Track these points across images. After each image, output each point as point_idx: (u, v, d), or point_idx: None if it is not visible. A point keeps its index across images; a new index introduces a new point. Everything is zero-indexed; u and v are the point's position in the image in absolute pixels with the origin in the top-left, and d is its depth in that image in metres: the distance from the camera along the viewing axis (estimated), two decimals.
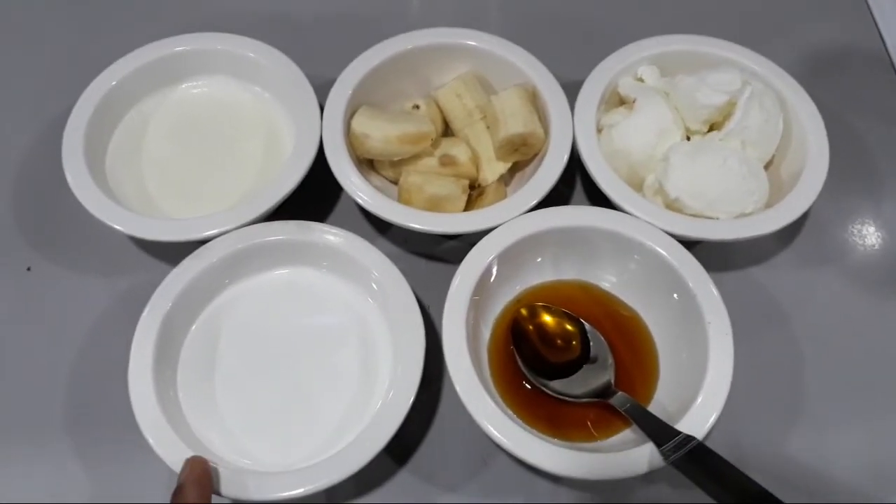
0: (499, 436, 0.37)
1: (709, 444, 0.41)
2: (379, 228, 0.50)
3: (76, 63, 0.54)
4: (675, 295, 0.42)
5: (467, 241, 0.43)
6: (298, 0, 0.62)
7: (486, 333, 0.44)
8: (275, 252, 0.44)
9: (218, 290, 0.43)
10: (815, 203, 0.45)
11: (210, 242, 0.42)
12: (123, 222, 0.43)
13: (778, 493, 0.38)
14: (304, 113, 0.47)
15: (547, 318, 0.44)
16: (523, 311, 0.44)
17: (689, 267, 0.42)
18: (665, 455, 0.36)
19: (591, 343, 0.43)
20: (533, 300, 0.45)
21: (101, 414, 0.43)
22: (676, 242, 0.42)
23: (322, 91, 0.48)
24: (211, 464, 0.36)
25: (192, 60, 0.50)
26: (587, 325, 0.43)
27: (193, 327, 0.43)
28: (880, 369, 0.46)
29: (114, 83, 0.48)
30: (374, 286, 0.43)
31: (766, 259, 0.49)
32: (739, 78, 0.46)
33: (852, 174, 0.53)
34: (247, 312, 0.43)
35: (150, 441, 0.37)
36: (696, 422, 0.38)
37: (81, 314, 0.46)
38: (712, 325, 0.40)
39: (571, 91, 0.49)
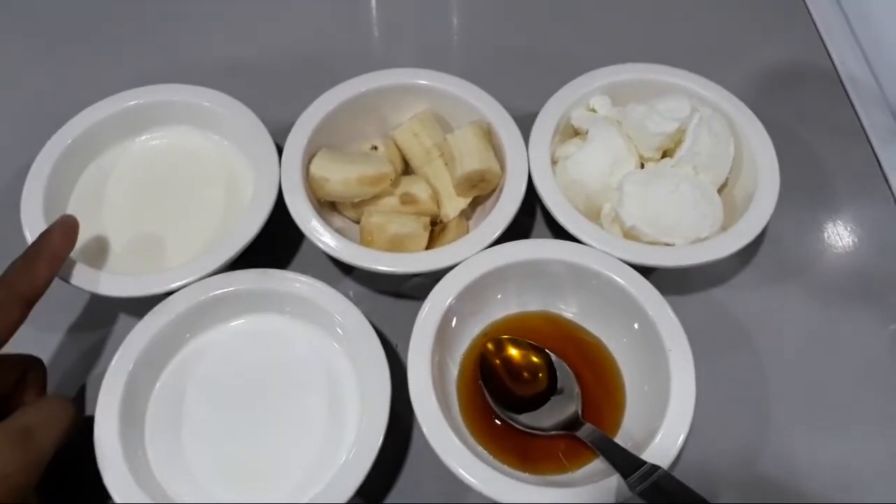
0: (466, 475, 0.37)
1: (679, 469, 0.42)
2: (344, 269, 0.50)
3: (29, 120, 0.55)
4: (636, 324, 0.43)
5: (433, 278, 0.44)
6: (256, 45, 0.63)
7: (453, 369, 0.44)
8: (237, 301, 0.44)
9: (181, 343, 0.43)
10: (771, 220, 0.46)
11: (171, 297, 0.42)
12: (84, 280, 0.43)
13: None
14: (263, 159, 0.47)
15: (513, 352, 0.44)
16: (489, 346, 0.44)
17: (648, 295, 0.42)
18: (631, 486, 0.36)
19: (558, 374, 0.43)
20: (499, 333, 0.45)
21: (67, 475, 0.42)
22: (634, 271, 0.43)
23: (281, 135, 0.49)
24: None
25: (149, 112, 0.50)
26: (553, 356, 0.44)
27: (158, 384, 0.42)
28: (845, 383, 0.46)
29: (70, 141, 0.48)
30: (339, 330, 0.43)
31: (726, 279, 0.50)
32: (688, 104, 0.47)
33: (807, 189, 0.54)
34: (212, 363, 0.43)
35: (118, 501, 0.37)
36: (662, 450, 0.38)
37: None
38: (673, 352, 0.40)
39: (528, 123, 0.50)
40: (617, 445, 0.39)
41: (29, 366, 0.39)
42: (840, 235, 0.52)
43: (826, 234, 0.53)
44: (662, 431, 0.38)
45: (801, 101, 0.59)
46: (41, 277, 0.37)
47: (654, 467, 0.36)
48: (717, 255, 0.44)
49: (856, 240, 0.52)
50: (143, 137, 0.51)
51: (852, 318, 0.49)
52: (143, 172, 0.50)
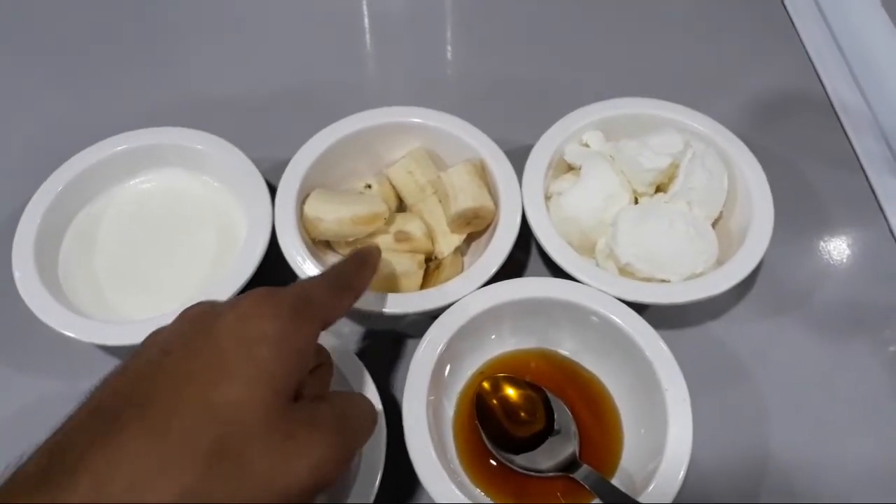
0: None
1: None
2: None
3: (20, 164, 0.55)
4: (631, 362, 0.42)
5: (430, 315, 0.44)
6: (246, 84, 0.63)
7: (450, 409, 0.44)
8: None
9: None
10: (767, 252, 0.46)
11: None
12: (79, 330, 0.42)
13: None
14: (255, 200, 0.47)
15: (510, 391, 0.44)
16: (486, 385, 0.44)
17: (644, 334, 0.42)
18: None
19: (555, 413, 0.43)
20: (495, 371, 0.45)
21: None
22: (629, 309, 0.43)
23: (274, 174, 0.49)
24: None
25: (140, 156, 0.50)
26: (550, 395, 0.43)
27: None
28: (844, 415, 0.46)
29: (60, 187, 0.48)
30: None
31: (722, 312, 0.50)
32: (681, 140, 0.47)
33: (802, 219, 0.54)
34: None
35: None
36: (660, 493, 0.37)
37: (43, 420, 0.45)
38: (669, 392, 0.40)
39: (522, 156, 0.50)
40: (615, 488, 0.38)
41: (323, 358, 0.36)
42: (836, 265, 0.52)
43: (822, 264, 0.52)
44: (660, 473, 0.38)
45: (794, 130, 0.59)
46: (343, 309, 0.35)
47: None
48: (712, 291, 0.44)
49: (851, 269, 0.52)
50: (135, 181, 0.51)
51: (850, 346, 0.48)
52: (134, 216, 0.50)
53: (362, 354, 0.43)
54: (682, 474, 0.38)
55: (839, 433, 0.45)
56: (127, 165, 0.51)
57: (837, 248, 0.53)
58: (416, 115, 0.51)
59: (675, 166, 0.47)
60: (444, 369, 0.43)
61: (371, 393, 0.41)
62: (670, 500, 0.37)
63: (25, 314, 0.43)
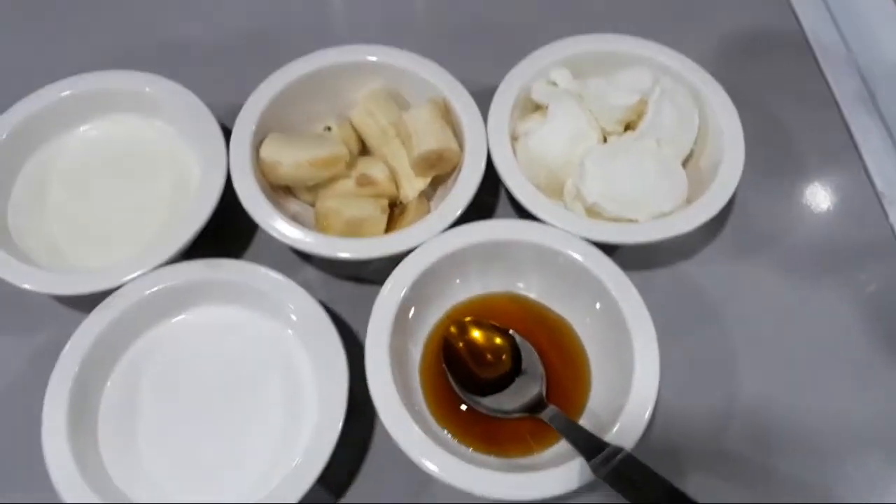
0: (427, 464, 0.36)
1: (646, 448, 0.41)
2: (303, 255, 0.49)
3: None
4: (598, 303, 0.42)
5: (394, 261, 0.43)
6: (202, 24, 0.60)
7: (416, 354, 0.43)
8: (186, 294, 0.42)
9: (130, 339, 0.42)
10: (739, 191, 0.45)
11: (117, 291, 0.41)
12: (30, 280, 0.41)
13: (718, 489, 0.39)
14: (210, 145, 0.45)
15: (476, 334, 0.43)
16: (452, 329, 0.43)
17: (610, 273, 0.41)
18: (594, 468, 0.35)
19: (522, 355, 0.42)
20: (462, 316, 0.44)
21: (18, 480, 0.41)
22: (596, 250, 0.42)
23: (230, 119, 0.47)
24: None
25: (88, 101, 0.48)
26: (517, 337, 0.43)
27: (109, 383, 0.41)
28: (814, 357, 0.46)
29: (6, 135, 0.46)
30: (294, 318, 0.42)
31: (693, 253, 0.49)
32: (650, 76, 0.46)
33: (774, 158, 0.53)
34: (163, 359, 0.42)
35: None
36: (627, 430, 0.37)
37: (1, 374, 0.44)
38: (636, 332, 0.40)
39: (487, 98, 0.48)
40: (579, 427, 0.38)
41: None
42: (809, 205, 0.52)
43: (795, 204, 0.52)
44: (626, 411, 0.38)
45: (768, 69, 0.58)
46: None
47: (617, 449, 0.35)
48: (681, 229, 0.43)
49: (825, 209, 0.52)
50: (84, 128, 0.49)
51: (822, 288, 0.48)
52: (85, 165, 0.48)
53: (328, 303, 0.42)
54: (648, 413, 0.38)
55: (808, 375, 0.45)
56: (75, 111, 0.48)
57: (811, 189, 0.52)
58: (376, 54, 0.49)
59: (643, 103, 0.46)
60: (408, 313, 0.42)
61: (333, 340, 0.40)
62: (636, 439, 0.37)
63: None
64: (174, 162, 0.48)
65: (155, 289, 0.41)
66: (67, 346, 0.40)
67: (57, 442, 0.37)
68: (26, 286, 0.41)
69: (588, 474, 0.36)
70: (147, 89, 0.48)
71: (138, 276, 0.41)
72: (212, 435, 0.40)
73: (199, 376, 0.42)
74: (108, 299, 0.41)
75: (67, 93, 0.48)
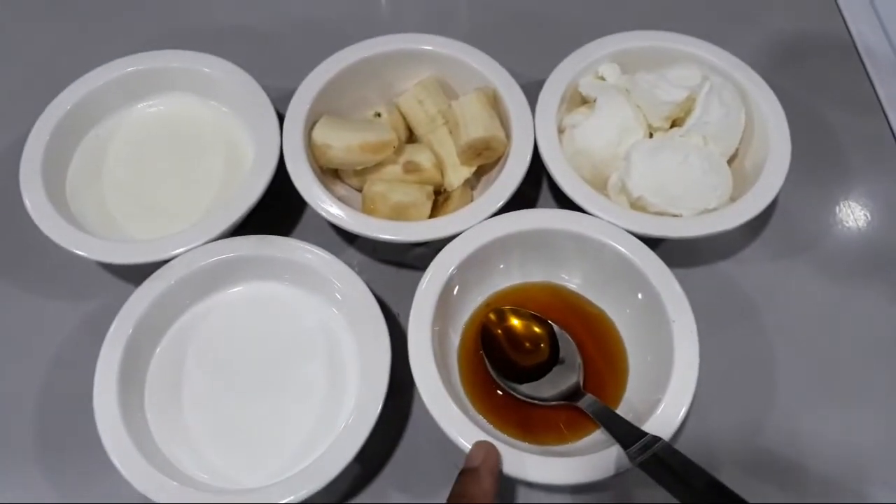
0: (463, 442, 0.37)
1: (681, 441, 0.41)
2: (347, 238, 0.50)
3: (27, 90, 0.54)
4: (640, 294, 0.42)
5: (435, 248, 0.43)
6: (258, 11, 0.62)
7: (455, 339, 0.44)
8: (237, 268, 0.43)
9: (181, 309, 0.43)
10: (782, 193, 0.45)
11: (170, 262, 0.42)
12: (85, 247, 0.42)
13: (750, 487, 0.39)
14: (264, 126, 0.47)
15: (515, 322, 0.44)
16: (491, 316, 0.44)
17: (653, 266, 0.42)
18: (631, 457, 0.36)
19: (560, 344, 0.43)
20: (501, 304, 0.45)
21: (68, 438, 0.43)
22: (639, 242, 0.42)
23: (283, 102, 0.48)
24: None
25: (148, 79, 0.50)
26: (556, 327, 0.43)
27: (158, 349, 0.43)
28: (852, 359, 0.46)
29: (69, 107, 0.47)
30: (340, 297, 0.43)
31: (734, 252, 0.49)
32: (699, 73, 0.46)
33: (819, 162, 0.53)
34: (211, 330, 0.43)
35: (117, 464, 0.37)
36: (664, 422, 0.38)
37: (47, 339, 0.46)
38: (677, 324, 0.40)
39: (535, 90, 0.49)
40: (617, 416, 0.38)
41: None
42: (851, 209, 0.51)
43: (837, 208, 0.52)
44: (664, 403, 0.38)
45: (815, 72, 0.58)
46: (491, 488, 0.36)
47: (655, 438, 0.36)
48: (724, 226, 0.43)
49: (867, 213, 0.51)
50: (142, 105, 0.51)
51: (861, 293, 0.48)
52: (142, 140, 0.50)
53: (371, 286, 0.43)
54: (685, 407, 0.38)
55: (846, 381, 0.45)
56: (135, 88, 0.50)
57: (854, 192, 0.52)
58: (427, 43, 0.49)
59: (691, 100, 0.46)
60: (450, 298, 0.43)
61: (377, 319, 0.41)
62: (672, 432, 0.37)
63: (32, 234, 0.43)
64: (228, 141, 0.49)
65: (207, 261, 0.42)
66: (123, 309, 0.41)
67: (106, 399, 0.39)
68: (79, 252, 0.42)
69: (625, 462, 0.36)
70: (205, 69, 0.49)
71: (190, 249, 0.43)
72: (254, 406, 0.41)
73: (245, 349, 0.43)
74: (161, 270, 0.42)
75: (130, 69, 0.49)
